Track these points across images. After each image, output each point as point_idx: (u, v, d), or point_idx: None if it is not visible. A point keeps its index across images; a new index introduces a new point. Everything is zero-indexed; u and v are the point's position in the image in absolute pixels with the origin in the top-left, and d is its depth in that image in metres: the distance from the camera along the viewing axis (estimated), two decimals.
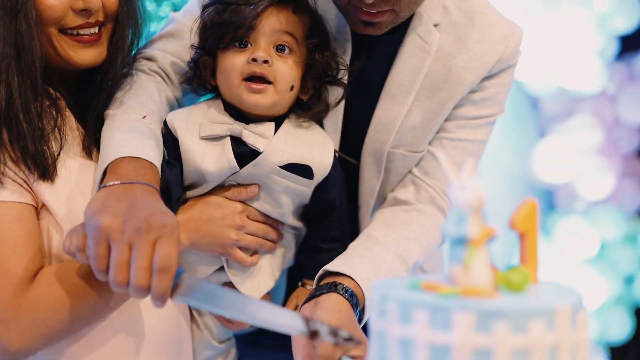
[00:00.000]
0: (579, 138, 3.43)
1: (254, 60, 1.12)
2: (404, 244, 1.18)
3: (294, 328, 0.90)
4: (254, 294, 1.24)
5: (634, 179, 3.53)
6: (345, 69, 1.22)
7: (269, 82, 1.13)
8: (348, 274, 1.08)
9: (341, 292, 1.05)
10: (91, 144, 1.15)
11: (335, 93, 1.24)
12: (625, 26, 3.46)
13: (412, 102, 1.24)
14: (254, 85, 1.13)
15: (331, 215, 1.26)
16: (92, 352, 1.12)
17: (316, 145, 1.20)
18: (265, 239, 1.23)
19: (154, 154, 1.06)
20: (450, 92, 1.25)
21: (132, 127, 1.08)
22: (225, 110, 1.18)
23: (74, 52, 1.12)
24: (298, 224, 1.26)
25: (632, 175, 3.53)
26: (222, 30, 1.14)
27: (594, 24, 3.41)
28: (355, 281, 1.07)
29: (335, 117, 1.26)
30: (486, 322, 0.63)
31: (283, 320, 0.91)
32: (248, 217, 1.20)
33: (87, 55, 1.13)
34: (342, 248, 1.24)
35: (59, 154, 1.10)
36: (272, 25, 1.14)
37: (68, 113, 1.15)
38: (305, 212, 1.26)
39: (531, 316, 0.63)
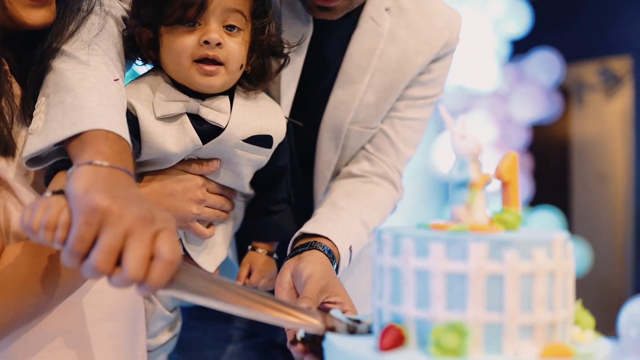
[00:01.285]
0: (474, 133, 3.67)
1: (206, 42, 1.08)
2: (365, 212, 1.26)
3: (311, 325, 0.87)
4: (211, 266, 1.25)
5: (523, 172, 3.84)
6: (288, 47, 1.23)
7: (220, 64, 1.11)
8: (325, 235, 1.14)
9: (321, 249, 1.10)
10: (32, 110, 1.04)
11: (278, 61, 1.25)
12: (516, 30, 3.75)
13: (367, 81, 1.30)
14: (207, 67, 1.09)
15: (281, 179, 1.28)
16: (49, 327, 1.07)
17: (270, 114, 1.21)
18: (222, 210, 1.24)
19: (127, 129, 0.99)
20: (401, 74, 1.32)
21: (108, 92, 0.99)
22: (174, 85, 1.14)
23: (26, 12, 1.04)
24: (251, 192, 1.28)
25: (522, 169, 3.83)
26: (169, 7, 1.08)
27: (490, 28, 3.66)
28: (331, 241, 1.13)
29: (289, 93, 1.29)
30: (498, 250, 0.70)
31: (300, 317, 0.87)
32: (207, 190, 1.20)
33: (38, 16, 1.05)
34: (290, 209, 1.28)
35: (11, 125, 1.00)
36: (223, 4, 1.09)
37: (13, 79, 1.06)
38: (256, 178, 1.27)
39: (535, 245, 0.71)
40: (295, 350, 0.94)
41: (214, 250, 1.26)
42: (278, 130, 1.20)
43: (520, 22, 3.72)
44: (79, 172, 0.86)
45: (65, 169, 0.94)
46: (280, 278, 1.10)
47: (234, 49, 1.11)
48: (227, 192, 1.24)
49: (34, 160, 0.95)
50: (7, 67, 1.06)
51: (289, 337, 0.99)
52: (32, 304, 0.98)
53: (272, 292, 1.17)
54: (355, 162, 1.37)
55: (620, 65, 4.28)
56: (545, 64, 3.85)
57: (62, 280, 1.00)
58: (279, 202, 1.29)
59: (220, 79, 1.12)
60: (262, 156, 1.20)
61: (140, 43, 1.13)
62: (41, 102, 1.00)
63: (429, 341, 0.69)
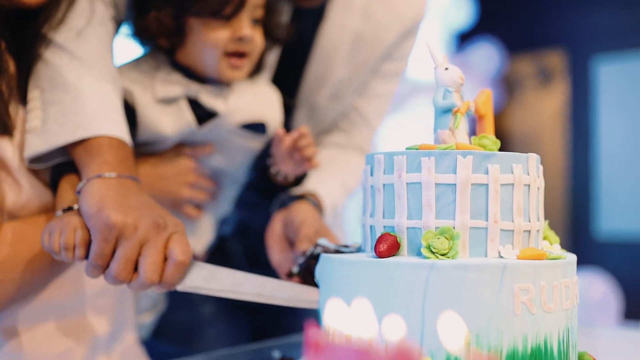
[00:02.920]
0: (423, 119, 3.82)
1: (241, 39, 1.09)
2: (345, 177, 1.33)
3: (315, 301, 0.93)
4: (198, 249, 1.27)
5: None
6: (285, 34, 1.25)
7: (247, 55, 1.13)
8: (312, 191, 1.20)
9: (308, 201, 1.17)
10: (26, 89, 1.05)
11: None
12: (461, 22, 3.91)
13: (341, 56, 1.35)
14: (237, 61, 1.11)
15: None
16: (45, 300, 1.08)
17: (267, 101, 1.22)
18: (212, 194, 1.25)
19: (127, 126, 1.03)
20: (373, 49, 1.37)
21: (106, 90, 1.03)
22: (174, 68, 1.14)
23: None
24: (243, 177, 1.29)
25: None
26: (208, 2, 1.06)
27: (435, 19, 3.81)
28: (316, 196, 1.20)
29: (269, 71, 1.33)
30: (482, 164, 0.78)
31: (303, 296, 0.95)
32: (199, 174, 1.21)
33: None
34: None
35: (8, 103, 1.01)
36: (254, 0, 1.10)
37: (9, 57, 1.05)
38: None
39: (514, 160, 0.80)
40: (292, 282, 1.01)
41: (201, 233, 1.28)
42: (274, 117, 1.21)
43: (465, 14, 3.88)
44: (90, 188, 0.93)
45: (68, 172, 1.00)
46: (271, 227, 1.14)
47: (259, 41, 1.13)
48: (218, 177, 1.25)
49: (35, 159, 1.00)
50: (4, 46, 1.05)
51: (285, 272, 1.05)
52: (29, 281, 1.00)
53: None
54: (329, 135, 1.43)
55: (555, 59, 4.50)
56: (487, 56, 4.03)
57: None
58: None
59: (244, 70, 1.14)
60: (256, 142, 1.21)
61: (153, 29, 1.10)
62: (35, 97, 1.02)
63: (422, 246, 0.77)
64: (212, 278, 0.94)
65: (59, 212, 0.96)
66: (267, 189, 1.27)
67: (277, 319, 1.59)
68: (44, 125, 0.99)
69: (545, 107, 4.56)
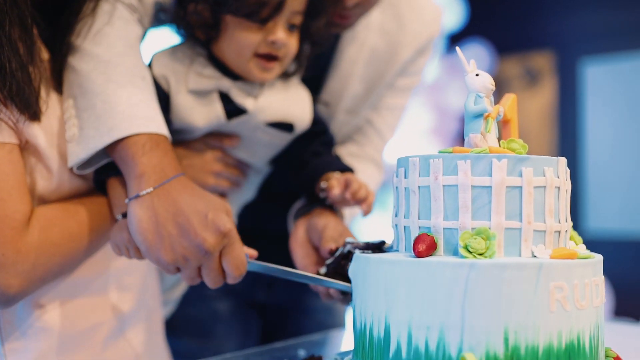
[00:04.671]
0: (416, 121, 3.86)
1: (273, 42, 1.10)
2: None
3: (343, 285, 1.02)
4: None
5: None
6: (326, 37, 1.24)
7: (278, 58, 1.14)
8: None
9: (328, 207, 1.20)
10: (60, 73, 1.08)
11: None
12: (453, 23, 3.96)
13: (358, 73, 1.38)
14: (267, 64, 1.12)
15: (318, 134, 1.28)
16: (70, 281, 1.11)
17: (297, 101, 1.22)
18: (236, 183, 1.27)
19: (161, 117, 1.05)
20: (389, 65, 1.40)
21: (134, 86, 1.05)
22: (209, 60, 1.16)
23: None
24: (267, 168, 1.32)
25: None
26: (245, 1, 1.08)
27: None
28: None
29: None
30: (517, 167, 0.81)
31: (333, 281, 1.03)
32: (224, 163, 1.23)
33: None
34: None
35: (39, 90, 1.02)
36: (292, 7, 1.10)
37: (42, 44, 1.07)
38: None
39: (546, 163, 0.83)
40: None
41: None
42: (302, 118, 1.22)
43: (455, 15, 3.93)
44: (130, 212, 0.99)
45: (112, 176, 1.06)
46: (294, 234, 1.17)
47: (293, 47, 1.14)
48: (242, 166, 1.27)
49: (81, 165, 1.04)
50: (36, 32, 1.06)
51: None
52: (59, 264, 1.03)
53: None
54: (343, 146, 1.46)
55: (543, 61, 4.57)
56: (477, 58, 4.08)
57: (88, 242, 1.06)
58: (322, 145, 1.28)
59: (275, 72, 1.15)
60: (282, 140, 1.23)
61: (191, 20, 1.12)
62: (69, 105, 1.05)
63: (459, 246, 0.80)
64: (267, 271, 1.03)
65: (119, 217, 1.03)
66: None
67: (288, 319, 1.61)
68: (81, 132, 1.02)
69: (533, 108, 4.63)
